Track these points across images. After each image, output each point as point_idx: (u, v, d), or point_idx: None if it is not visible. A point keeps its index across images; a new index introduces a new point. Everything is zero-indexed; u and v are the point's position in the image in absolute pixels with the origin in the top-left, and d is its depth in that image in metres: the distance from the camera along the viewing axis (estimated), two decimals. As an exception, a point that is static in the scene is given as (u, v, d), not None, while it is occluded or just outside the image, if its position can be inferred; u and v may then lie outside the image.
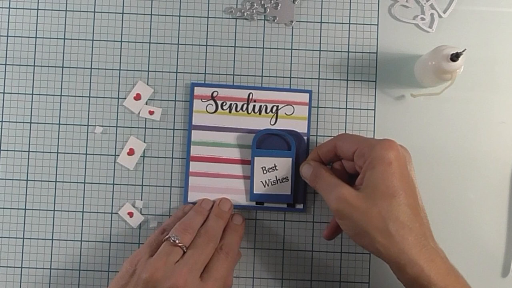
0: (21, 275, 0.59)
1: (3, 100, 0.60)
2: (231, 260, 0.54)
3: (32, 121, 0.60)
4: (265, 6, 0.61)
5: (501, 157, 0.60)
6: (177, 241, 0.52)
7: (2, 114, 0.60)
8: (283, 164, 0.59)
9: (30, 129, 0.60)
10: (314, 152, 0.56)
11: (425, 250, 0.48)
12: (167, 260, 0.51)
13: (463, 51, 0.53)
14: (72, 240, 0.59)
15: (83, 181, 0.60)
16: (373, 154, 0.50)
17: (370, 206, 0.49)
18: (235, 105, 0.59)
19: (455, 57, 0.53)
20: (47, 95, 0.60)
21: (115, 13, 0.61)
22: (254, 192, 0.58)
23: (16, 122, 0.60)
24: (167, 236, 0.53)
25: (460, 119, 0.60)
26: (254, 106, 0.59)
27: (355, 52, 0.61)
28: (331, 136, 0.60)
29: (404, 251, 0.47)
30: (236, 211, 0.59)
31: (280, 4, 0.61)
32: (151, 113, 0.60)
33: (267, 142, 0.59)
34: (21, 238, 0.59)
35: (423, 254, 0.47)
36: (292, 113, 0.59)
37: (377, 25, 0.61)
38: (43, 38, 0.61)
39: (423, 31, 0.61)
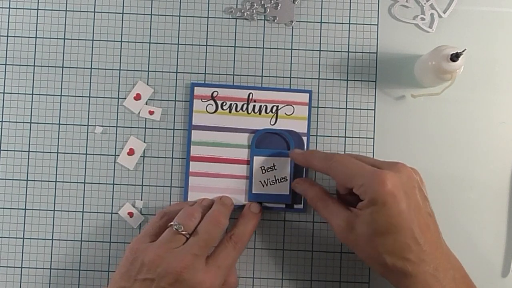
0: (21, 275, 0.59)
1: (3, 100, 0.60)
2: (239, 250, 0.54)
3: (32, 121, 0.60)
4: (265, 6, 0.61)
5: (501, 157, 0.60)
6: (180, 230, 0.52)
7: (2, 114, 0.60)
8: (282, 164, 0.59)
9: (30, 129, 0.60)
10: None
11: (423, 277, 0.48)
12: (169, 246, 0.51)
13: (463, 51, 0.53)
14: (72, 240, 0.59)
15: (83, 181, 0.60)
16: (366, 196, 0.49)
17: (365, 241, 0.50)
18: (235, 105, 0.59)
19: (455, 57, 0.53)
20: (47, 95, 0.60)
21: (115, 13, 0.61)
22: (253, 191, 0.58)
23: (16, 122, 0.60)
24: (170, 224, 0.53)
25: (460, 119, 0.60)
26: (254, 106, 0.59)
27: (355, 52, 0.61)
28: (331, 136, 0.60)
29: (401, 282, 0.49)
30: (235, 211, 0.59)
31: (280, 4, 0.61)
32: (151, 113, 0.60)
33: (266, 141, 0.59)
34: (21, 238, 0.59)
35: (420, 282, 0.48)
36: (292, 113, 0.59)
37: (377, 25, 0.61)
38: (43, 38, 0.61)
39: (423, 31, 0.61)
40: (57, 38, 0.61)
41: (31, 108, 0.60)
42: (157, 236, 0.53)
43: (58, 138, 0.60)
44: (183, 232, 0.52)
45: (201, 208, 0.55)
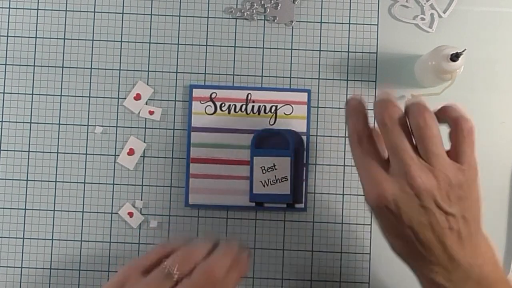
0: (21, 275, 0.59)
1: (3, 100, 0.60)
2: None
3: (32, 121, 0.60)
4: (265, 6, 0.61)
5: (501, 157, 0.60)
6: (172, 271, 0.47)
7: (2, 114, 0.60)
8: (282, 164, 0.58)
9: (30, 129, 0.60)
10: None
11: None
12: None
13: (463, 51, 0.53)
14: (72, 240, 0.59)
15: (83, 181, 0.60)
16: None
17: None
18: (234, 106, 0.59)
19: (455, 57, 0.53)
20: (47, 95, 0.60)
21: (115, 13, 0.61)
22: (254, 192, 0.58)
23: (16, 122, 0.60)
24: (164, 263, 0.47)
25: (460, 119, 0.60)
26: (253, 106, 0.59)
27: (355, 52, 0.61)
28: (331, 136, 0.60)
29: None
30: (236, 212, 0.59)
31: (280, 4, 0.61)
32: (151, 113, 0.60)
33: (266, 142, 0.59)
34: (21, 238, 0.59)
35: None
36: (291, 113, 0.59)
37: (377, 25, 0.61)
38: (43, 38, 0.61)
39: (423, 31, 0.61)
40: (57, 38, 0.61)
41: (31, 108, 0.60)
42: (149, 272, 0.47)
43: (58, 138, 0.60)
44: (175, 274, 0.46)
45: (204, 249, 0.49)
